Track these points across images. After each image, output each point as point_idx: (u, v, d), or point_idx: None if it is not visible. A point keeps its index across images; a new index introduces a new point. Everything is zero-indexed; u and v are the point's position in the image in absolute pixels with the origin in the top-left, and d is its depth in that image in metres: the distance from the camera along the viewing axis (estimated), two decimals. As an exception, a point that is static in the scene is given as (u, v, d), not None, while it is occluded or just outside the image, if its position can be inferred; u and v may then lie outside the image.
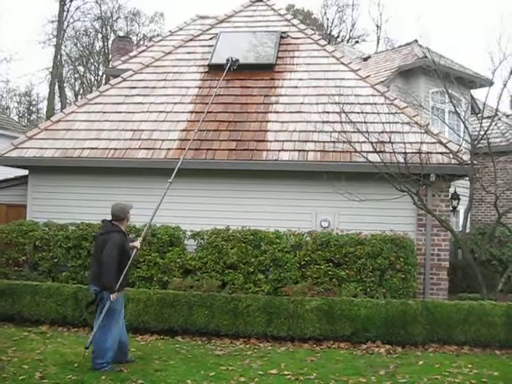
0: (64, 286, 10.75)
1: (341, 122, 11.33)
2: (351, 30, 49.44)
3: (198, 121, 12.74)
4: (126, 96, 13.88)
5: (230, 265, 10.94)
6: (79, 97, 45.18)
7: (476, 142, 11.44)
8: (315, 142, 11.96)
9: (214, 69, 14.27)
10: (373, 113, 11.86)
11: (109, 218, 8.14)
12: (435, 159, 11.41)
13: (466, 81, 16.96)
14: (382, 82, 16.48)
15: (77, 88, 50.05)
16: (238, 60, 13.87)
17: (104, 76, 43.90)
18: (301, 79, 13.66)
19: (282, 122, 12.54)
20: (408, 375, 7.89)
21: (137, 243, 8.40)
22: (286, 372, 7.93)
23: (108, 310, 7.69)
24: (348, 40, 47.13)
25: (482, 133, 11.33)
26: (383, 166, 10.58)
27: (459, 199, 15.82)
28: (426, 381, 7.65)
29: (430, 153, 11.43)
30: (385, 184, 10.68)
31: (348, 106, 11.48)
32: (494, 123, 12.15)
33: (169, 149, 12.25)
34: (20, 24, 62.69)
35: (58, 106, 44.38)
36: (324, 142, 11.87)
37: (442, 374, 7.94)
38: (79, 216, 12.08)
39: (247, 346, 9.63)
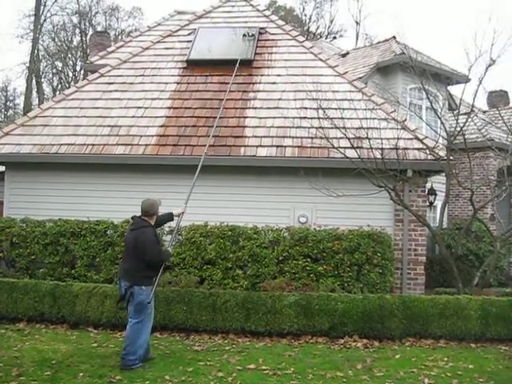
0: (41, 283, 10.67)
1: (318, 118, 11.37)
2: (329, 27, 49.60)
3: (176, 117, 12.77)
4: (104, 92, 13.81)
5: (209, 260, 10.95)
6: (57, 92, 44.74)
7: (452, 137, 11.53)
8: (293, 137, 12.01)
9: (193, 64, 14.27)
10: (350, 109, 11.92)
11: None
12: (412, 155, 11.50)
13: (443, 77, 17.10)
14: (360, 78, 16.54)
15: (55, 83, 49.57)
16: (253, 35, 14.24)
17: (82, 71, 43.59)
18: (279, 75, 13.69)
19: (260, 118, 12.56)
20: (385, 369, 7.96)
21: (180, 209, 9.04)
22: (263, 367, 7.96)
23: (142, 306, 7.81)
24: (326, 36, 47.24)
25: (459, 129, 11.43)
26: (360, 162, 10.64)
27: (436, 194, 15.97)
28: (402, 374, 7.72)
29: (407, 149, 11.52)
30: (362, 180, 10.75)
31: (326, 102, 11.54)
32: (470, 119, 12.26)
33: (147, 145, 12.21)
34: (-4, 18, 61.96)
35: (35, 101, 44.04)
36: (302, 137, 11.91)
37: (418, 368, 8.03)
38: (57, 212, 12.00)
39: (225, 341, 9.64)
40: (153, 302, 8.10)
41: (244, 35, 14.18)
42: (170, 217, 8.95)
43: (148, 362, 8.05)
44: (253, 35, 14.18)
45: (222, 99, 12.73)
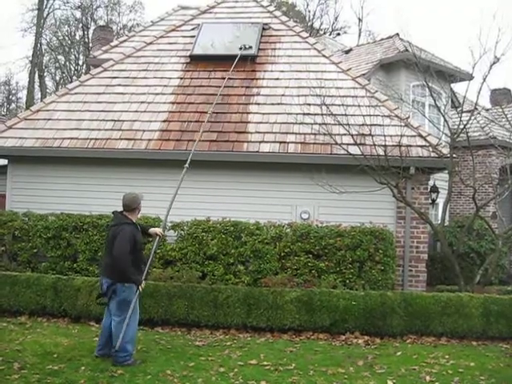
0: (43, 277, 10.67)
1: (322, 115, 11.35)
2: (333, 23, 49.49)
3: (179, 112, 12.76)
4: (107, 86, 13.81)
5: (210, 256, 10.96)
6: (59, 86, 44.73)
7: (455, 135, 11.52)
8: (296, 133, 11.99)
9: (196, 60, 14.26)
10: (353, 105, 11.95)
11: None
12: (415, 152, 11.49)
13: (447, 74, 17.05)
14: (363, 74, 16.53)
15: (57, 77, 49.60)
16: (251, 47, 13.97)
17: (85, 66, 43.56)
18: (282, 71, 13.67)
19: (263, 114, 12.55)
20: (386, 366, 7.96)
21: (158, 230, 8.38)
22: (265, 362, 7.97)
23: (124, 303, 7.59)
24: (330, 33, 47.14)
25: (462, 126, 11.41)
26: (363, 159, 10.63)
27: (438, 192, 15.97)
28: (403, 371, 7.71)
29: (410, 146, 11.51)
30: (365, 176, 10.72)
31: (329, 99, 11.50)
32: (473, 117, 12.25)
33: (149, 139, 12.21)
34: (-1, 12, 61.84)
35: (37, 95, 44.04)
36: (305, 134, 11.90)
37: (419, 365, 8.01)
38: (59, 206, 12.01)
39: (227, 336, 9.66)
40: (137, 296, 7.83)
41: (240, 48, 13.85)
42: (145, 231, 8.33)
43: (149, 356, 8.06)
44: (250, 47, 14.00)
45: (226, 94, 12.76)
